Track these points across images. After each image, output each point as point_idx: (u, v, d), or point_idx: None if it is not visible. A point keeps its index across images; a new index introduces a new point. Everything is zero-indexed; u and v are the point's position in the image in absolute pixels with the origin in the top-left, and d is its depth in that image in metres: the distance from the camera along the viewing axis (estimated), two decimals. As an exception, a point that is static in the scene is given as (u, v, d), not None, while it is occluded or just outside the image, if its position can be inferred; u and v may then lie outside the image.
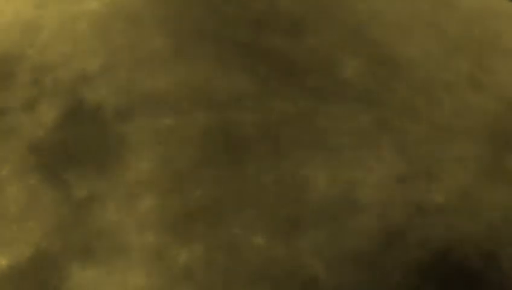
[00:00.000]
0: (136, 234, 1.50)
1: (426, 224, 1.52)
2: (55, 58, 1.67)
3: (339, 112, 1.53)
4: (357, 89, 1.54)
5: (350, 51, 1.56)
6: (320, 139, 1.52)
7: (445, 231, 1.52)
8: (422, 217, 1.52)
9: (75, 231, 1.52)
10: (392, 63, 1.57)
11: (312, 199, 1.49)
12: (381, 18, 1.66)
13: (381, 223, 1.50)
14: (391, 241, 1.50)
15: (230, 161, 1.52)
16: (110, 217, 1.52)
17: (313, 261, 1.48)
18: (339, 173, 1.51)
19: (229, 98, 1.56)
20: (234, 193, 1.50)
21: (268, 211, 1.49)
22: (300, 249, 1.48)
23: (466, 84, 1.58)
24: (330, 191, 1.50)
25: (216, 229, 1.49)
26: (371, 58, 1.56)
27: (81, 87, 1.62)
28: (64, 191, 1.56)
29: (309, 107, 1.53)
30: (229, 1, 1.66)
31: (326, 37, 1.58)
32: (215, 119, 1.55)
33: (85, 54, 1.65)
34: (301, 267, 1.47)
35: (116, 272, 1.49)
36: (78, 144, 1.58)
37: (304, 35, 1.59)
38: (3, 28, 1.73)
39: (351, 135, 1.52)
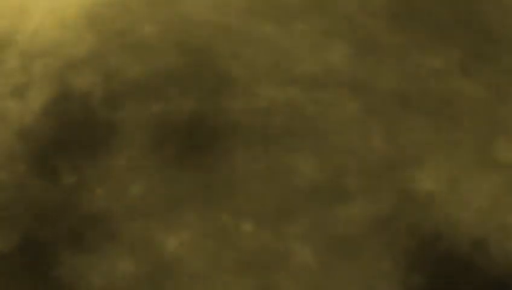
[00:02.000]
0: (125, 220, 1.50)
1: (415, 211, 1.52)
2: (44, 45, 1.66)
3: (327, 98, 1.52)
4: (346, 75, 1.54)
5: (339, 37, 1.56)
6: (309, 126, 1.52)
7: (434, 218, 1.52)
8: (411, 204, 1.52)
9: (63, 217, 1.52)
10: (382, 49, 1.56)
11: (301, 185, 1.50)
12: (371, 5, 1.66)
13: (370, 210, 1.50)
14: (380, 228, 1.50)
15: (219, 147, 1.52)
16: (98, 204, 1.52)
17: (301, 248, 1.48)
18: (328, 160, 1.51)
19: (217, 85, 1.56)
20: (223, 179, 1.50)
21: (257, 197, 1.49)
22: (289, 236, 1.48)
23: (456, 71, 1.58)
24: (319, 178, 1.50)
25: (205, 216, 1.49)
26: (360, 44, 1.56)
27: (70, 74, 1.62)
28: (53, 178, 1.55)
29: (298, 93, 1.53)
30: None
31: (315, 23, 1.58)
32: (204, 106, 1.55)
33: (74, 41, 1.64)
34: (290, 253, 1.48)
35: (105, 258, 1.49)
36: (67, 131, 1.57)
37: (293, 21, 1.59)
38: (-8, 14, 1.72)
39: (340, 121, 1.52)
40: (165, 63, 1.60)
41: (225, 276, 1.46)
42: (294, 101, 1.53)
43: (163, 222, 1.50)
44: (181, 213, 1.50)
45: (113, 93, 1.58)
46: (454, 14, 1.67)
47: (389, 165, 1.53)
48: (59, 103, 1.60)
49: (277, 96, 1.53)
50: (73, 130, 1.57)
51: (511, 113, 1.64)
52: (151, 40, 1.61)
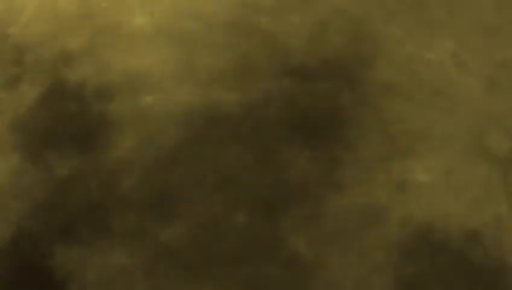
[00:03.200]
0: (118, 213, 1.50)
1: (408, 202, 1.52)
2: (37, 37, 1.66)
3: (321, 90, 1.52)
4: (339, 67, 1.54)
5: (332, 29, 1.56)
6: (302, 117, 1.52)
7: (427, 209, 1.52)
8: (405, 196, 1.52)
9: (57, 210, 1.52)
10: (374, 41, 1.56)
11: (293, 177, 1.49)
12: (365, -4, 1.66)
13: (362, 201, 1.50)
14: (373, 220, 1.50)
15: (212, 139, 1.52)
16: (92, 196, 1.52)
17: (294, 240, 1.48)
18: (321, 152, 1.51)
19: (211, 76, 1.56)
20: (216, 171, 1.50)
21: (250, 189, 1.49)
22: (282, 228, 1.48)
23: (448, 62, 1.58)
24: (311, 170, 1.50)
25: (197, 207, 1.49)
26: (353, 36, 1.56)
27: (63, 66, 1.61)
28: (46, 170, 1.55)
29: (291, 85, 1.53)
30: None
31: (309, 15, 1.58)
32: (197, 98, 1.55)
33: (67, 33, 1.64)
34: (282, 246, 1.48)
35: (99, 251, 1.49)
36: (60, 123, 1.57)
37: (287, 13, 1.59)
38: (-15, 6, 1.72)
39: (333, 113, 1.52)
40: (158, 54, 1.59)
41: (218, 267, 1.46)
42: (289, 92, 1.53)
43: (156, 214, 1.50)
44: (174, 205, 1.50)
45: (106, 85, 1.58)
46: (447, 5, 1.66)
47: (382, 157, 1.53)
48: (52, 94, 1.60)
49: (272, 88, 1.53)
50: (66, 122, 1.57)
51: (503, 105, 1.63)
52: (144, 32, 1.61)
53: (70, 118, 1.57)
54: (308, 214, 1.49)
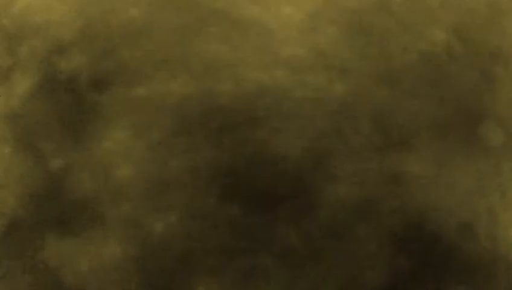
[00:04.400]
0: (111, 204, 1.50)
1: (402, 194, 1.52)
2: (30, 28, 1.65)
3: (314, 81, 1.52)
4: (333, 58, 1.54)
5: (326, 19, 1.56)
6: (296, 109, 1.52)
7: (421, 201, 1.53)
8: (398, 187, 1.52)
9: (50, 201, 1.52)
10: (369, 32, 1.56)
11: (288, 169, 1.50)
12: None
13: (356, 193, 1.51)
14: (367, 212, 1.50)
15: (206, 130, 1.52)
16: (85, 187, 1.52)
17: (288, 231, 1.48)
18: (315, 143, 1.51)
19: (205, 68, 1.56)
20: (210, 162, 1.50)
21: (245, 180, 1.49)
22: (276, 219, 1.49)
23: (442, 54, 1.58)
24: (306, 161, 1.50)
25: (192, 198, 1.49)
26: (348, 27, 1.56)
27: (56, 57, 1.61)
28: (39, 162, 1.55)
29: (285, 76, 1.53)
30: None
31: (301, 5, 1.58)
32: (191, 89, 1.55)
33: (60, 24, 1.63)
34: (277, 237, 1.48)
35: (92, 242, 1.49)
36: (53, 114, 1.57)
37: (279, 4, 1.59)
38: (-23, -3, 1.71)
39: (327, 104, 1.52)
40: (153, 45, 1.59)
41: (212, 259, 1.47)
42: (282, 84, 1.53)
43: (150, 205, 1.50)
44: (168, 196, 1.50)
45: (100, 76, 1.58)
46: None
47: (376, 148, 1.53)
48: (45, 86, 1.59)
49: (264, 79, 1.53)
50: (60, 113, 1.57)
51: (498, 96, 1.64)
52: (139, 23, 1.61)
53: (63, 109, 1.57)
54: (302, 205, 1.49)
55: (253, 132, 1.51)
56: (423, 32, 1.57)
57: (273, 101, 1.51)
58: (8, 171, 1.55)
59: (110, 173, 1.51)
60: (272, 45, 1.55)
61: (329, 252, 1.48)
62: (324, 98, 1.50)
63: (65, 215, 1.51)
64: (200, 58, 1.56)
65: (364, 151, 1.52)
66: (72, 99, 1.57)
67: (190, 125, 1.52)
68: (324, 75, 1.52)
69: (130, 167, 1.52)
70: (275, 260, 1.47)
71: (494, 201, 1.57)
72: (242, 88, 1.53)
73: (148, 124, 1.54)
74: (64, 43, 1.62)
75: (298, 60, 1.53)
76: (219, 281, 1.45)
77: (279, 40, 1.55)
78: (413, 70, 1.56)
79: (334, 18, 1.54)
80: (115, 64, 1.58)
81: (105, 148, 1.53)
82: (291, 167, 1.49)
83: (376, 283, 1.48)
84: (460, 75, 1.57)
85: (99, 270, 1.47)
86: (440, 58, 1.57)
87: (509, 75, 1.64)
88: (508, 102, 1.63)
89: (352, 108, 1.51)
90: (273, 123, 1.50)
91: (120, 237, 1.48)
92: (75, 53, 1.60)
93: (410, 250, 1.50)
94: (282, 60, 1.53)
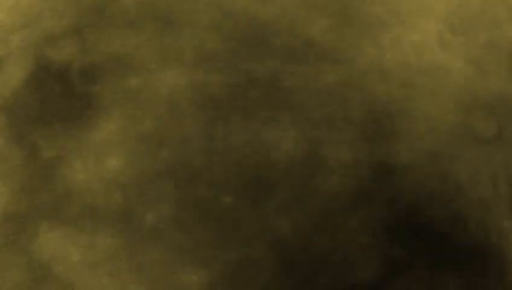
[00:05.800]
0: (103, 194, 1.50)
1: (394, 184, 1.52)
2: (23, 19, 1.65)
3: (306, 71, 1.52)
4: (324, 48, 1.54)
5: (318, 10, 1.56)
6: (288, 99, 1.52)
7: (413, 191, 1.52)
8: (390, 178, 1.52)
9: (42, 191, 1.52)
10: (360, 22, 1.56)
11: (280, 159, 1.50)
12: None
13: (348, 183, 1.51)
14: (359, 202, 1.50)
15: (198, 121, 1.52)
16: (77, 177, 1.52)
17: (280, 222, 1.48)
18: (307, 133, 1.51)
19: (197, 58, 1.56)
20: (202, 153, 1.50)
21: (237, 171, 1.49)
22: (268, 210, 1.49)
23: (434, 44, 1.58)
24: (298, 151, 1.50)
25: (184, 189, 1.49)
26: (339, 17, 1.56)
27: (49, 48, 1.61)
28: (31, 152, 1.55)
29: (276, 67, 1.53)
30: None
31: (295, -3, 1.58)
32: (183, 80, 1.55)
33: (52, 14, 1.63)
34: (269, 227, 1.48)
35: (84, 232, 1.49)
36: (46, 105, 1.57)
37: (273, -5, 1.58)
38: (-31, -13, 1.71)
39: (318, 94, 1.52)
40: (145, 36, 1.59)
41: (204, 250, 1.47)
42: (273, 74, 1.53)
43: (142, 195, 1.50)
44: (160, 186, 1.50)
45: (92, 67, 1.58)
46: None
47: (368, 138, 1.53)
48: (37, 76, 1.59)
49: (256, 69, 1.53)
50: (52, 103, 1.57)
51: (489, 87, 1.64)
52: (131, 14, 1.61)
53: (56, 100, 1.57)
54: (294, 196, 1.49)
55: (245, 122, 1.50)
56: (415, 22, 1.57)
57: (264, 91, 1.51)
58: (0, 161, 1.55)
59: (102, 163, 1.51)
60: (263, 35, 1.54)
61: (321, 243, 1.48)
62: (315, 88, 1.50)
63: (57, 205, 1.51)
64: (192, 49, 1.56)
65: (356, 141, 1.51)
66: (64, 89, 1.57)
67: (182, 115, 1.52)
68: (315, 65, 1.52)
69: (122, 158, 1.52)
70: (266, 251, 1.47)
71: (486, 192, 1.57)
72: (233, 78, 1.52)
73: (140, 115, 1.54)
74: (56, 33, 1.62)
75: (289, 50, 1.53)
76: (210, 272, 1.45)
77: (271, 31, 1.55)
78: (405, 60, 1.56)
79: (324, 8, 1.54)
80: (107, 55, 1.58)
81: (97, 138, 1.53)
82: (282, 157, 1.49)
83: (368, 273, 1.48)
84: (452, 65, 1.56)
85: (91, 260, 1.47)
86: (431, 48, 1.57)
87: (501, 65, 1.64)
88: (500, 92, 1.63)
89: (344, 98, 1.51)
90: (264, 113, 1.50)
91: (112, 227, 1.48)
92: (67, 44, 1.60)
93: (402, 241, 1.50)
94: (273, 50, 1.53)
